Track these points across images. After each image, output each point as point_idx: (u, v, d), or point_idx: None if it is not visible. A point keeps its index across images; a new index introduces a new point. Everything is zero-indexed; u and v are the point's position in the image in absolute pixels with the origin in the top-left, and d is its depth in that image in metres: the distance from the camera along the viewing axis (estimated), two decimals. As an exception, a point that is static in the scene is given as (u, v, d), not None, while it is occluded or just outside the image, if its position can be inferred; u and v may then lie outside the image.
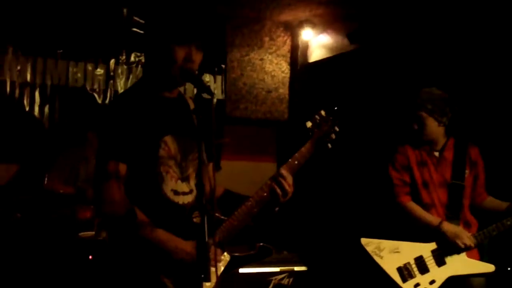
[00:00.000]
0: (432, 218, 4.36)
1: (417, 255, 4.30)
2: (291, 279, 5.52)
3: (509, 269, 4.79)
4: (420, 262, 4.27)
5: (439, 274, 4.27)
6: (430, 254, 4.31)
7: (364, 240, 4.30)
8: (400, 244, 4.32)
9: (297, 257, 5.63)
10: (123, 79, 6.98)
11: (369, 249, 4.27)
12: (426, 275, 4.26)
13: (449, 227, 4.31)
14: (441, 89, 4.52)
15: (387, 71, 6.35)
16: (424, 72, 5.88)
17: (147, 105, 3.00)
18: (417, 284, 4.22)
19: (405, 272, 4.23)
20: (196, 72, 2.99)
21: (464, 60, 5.54)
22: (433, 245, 4.34)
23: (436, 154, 4.51)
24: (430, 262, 4.28)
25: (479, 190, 4.60)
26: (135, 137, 2.90)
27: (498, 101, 5.25)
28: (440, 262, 4.30)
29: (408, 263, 4.26)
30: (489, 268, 4.35)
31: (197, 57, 3.00)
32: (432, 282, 4.24)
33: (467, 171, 4.50)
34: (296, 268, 5.58)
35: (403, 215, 4.39)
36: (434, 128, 4.45)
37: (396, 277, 4.22)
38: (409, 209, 4.37)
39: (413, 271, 4.25)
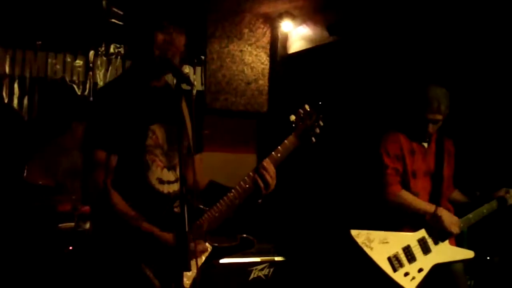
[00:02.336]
0: (427, 205, 4.42)
1: (405, 244, 4.35)
2: (271, 269, 5.55)
3: (488, 258, 4.87)
4: (408, 252, 4.33)
5: (426, 262, 4.36)
6: (416, 243, 4.38)
7: (354, 232, 4.32)
8: (388, 234, 4.36)
9: (275, 248, 5.66)
10: (103, 71, 6.95)
11: (359, 240, 4.29)
12: (414, 263, 4.33)
13: (444, 213, 4.39)
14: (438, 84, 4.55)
15: (366, 63, 6.38)
16: (404, 62, 5.92)
17: (135, 94, 3.03)
18: (407, 273, 4.28)
19: (395, 262, 4.28)
20: (178, 60, 3.02)
21: (444, 51, 5.58)
22: (418, 234, 4.40)
23: (425, 145, 4.58)
24: (417, 251, 4.36)
25: (449, 182, 4.69)
26: (123, 126, 2.92)
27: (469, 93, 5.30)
28: (426, 250, 4.38)
29: (397, 252, 4.31)
30: (469, 254, 4.48)
31: (179, 40, 3.02)
32: (420, 270, 4.33)
33: (445, 162, 4.59)
34: (277, 259, 5.61)
35: (395, 204, 4.40)
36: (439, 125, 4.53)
37: (387, 267, 4.26)
38: (403, 197, 4.40)
39: (402, 260, 4.30)
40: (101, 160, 2.90)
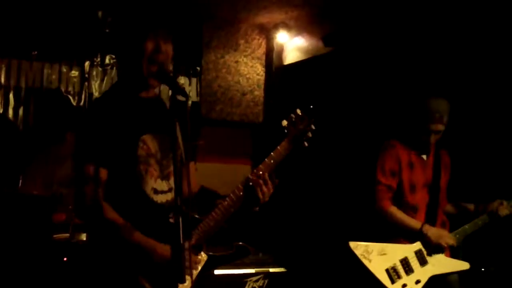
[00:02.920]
0: (413, 222, 4.44)
1: (402, 256, 4.38)
2: (266, 281, 5.54)
3: (482, 269, 4.88)
4: (406, 263, 4.35)
5: (423, 273, 4.39)
6: (413, 255, 4.40)
7: (352, 244, 4.33)
8: (386, 246, 4.38)
9: (272, 259, 5.65)
10: (98, 81, 6.96)
11: (357, 252, 4.30)
12: (412, 275, 4.35)
13: (430, 230, 4.43)
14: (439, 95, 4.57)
15: (362, 74, 6.39)
16: (399, 72, 5.93)
17: (125, 106, 3.02)
18: (404, 285, 4.31)
19: (393, 273, 4.30)
20: (171, 72, 3.03)
21: (440, 61, 5.59)
22: (415, 246, 4.43)
23: (424, 157, 4.60)
24: (414, 262, 4.38)
25: (444, 193, 4.71)
26: (113, 138, 2.92)
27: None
28: (422, 262, 4.41)
29: (395, 264, 4.33)
30: (465, 266, 4.50)
31: (166, 48, 3.02)
32: (417, 281, 4.35)
33: (442, 174, 4.61)
34: (272, 270, 5.60)
35: (384, 219, 4.44)
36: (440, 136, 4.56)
37: (385, 279, 4.28)
38: (391, 214, 4.43)
39: (400, 272, 4.32)
40: (93, 174, 2.89)
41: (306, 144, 3.29)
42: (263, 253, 5.67)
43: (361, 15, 6.42)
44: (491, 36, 5.17)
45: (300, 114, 3.29)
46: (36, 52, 6.59)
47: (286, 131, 3.26)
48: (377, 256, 4.32)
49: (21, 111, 6.53)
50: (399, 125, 4.77)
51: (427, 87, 5.40)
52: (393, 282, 4.28)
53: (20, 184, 5.93)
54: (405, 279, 4.32)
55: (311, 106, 3.30)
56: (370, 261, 4.29)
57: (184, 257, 2.63)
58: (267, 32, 7.90)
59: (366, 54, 6.37)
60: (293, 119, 3.28)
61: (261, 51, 7.97)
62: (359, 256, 4.29)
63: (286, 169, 3.31)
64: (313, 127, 3.30)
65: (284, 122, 3.28)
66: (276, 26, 7.62)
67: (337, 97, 6.61)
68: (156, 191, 3.05)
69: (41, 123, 6.58)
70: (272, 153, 3.21)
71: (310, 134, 3.29)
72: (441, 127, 4.48)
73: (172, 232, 2.60)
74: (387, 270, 4.30)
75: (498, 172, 5.14)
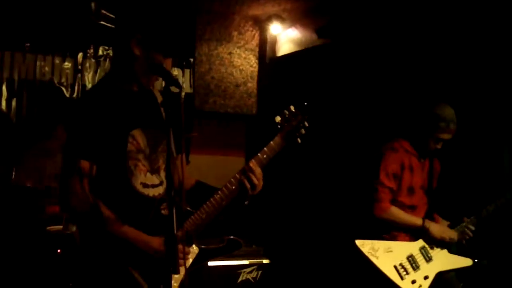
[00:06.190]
0: (414, 219, 4.49)
1: (408, 253, 4.42)
2: (259, 272, 5.56)
3: (475, 260, 4.91)
4: (412, 260, 4.39)
5: (430, 269, 4.45)
6: (418, 251, 4.45)
7: (358, 242, 4.36)
8: (391, 243, 4.41)
9: (264, 250, 5.67)
10: (91, 73, 6.94)
11: (364, 250, 4.33)
12: (419, 271, 4.40)
13: (432, 225, 4.48)
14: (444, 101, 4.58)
15: (355, 66, 6.40)
16: (393, 65, 5.94)
17: (115, 100, 3.02)
18: (414, 281, 4.36)
19: (401, 270, 4.33)
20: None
21: (433, 55, 5.60)
22: (419, 243, 4.46)
23: (422, 161, 4.62)
24: (420, 259, 4.43)
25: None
26: (103, 133, 2.92)
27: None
28: (428, 259, 4.45)
29: (402, 261, 4.36)
30: (468, 262, 4.56)
31: (165, 63, 3.06)
32: (426, 277, 4.41)
33: (434, 179, 4.66)
34: (265, 261, 5.62)
35: (384, 219, 4.44)
36: None
37: (394, 276, 4.31)
38: (392, 213, 4.44)
39: (408, 268, 4.35)
40: (82, 169, 2.90)
41: (299, 140, 3.30)
42: (257, 245, 5.69)
43: (355, 8, 6.42)
44: (484, 31, 5.19)
45: (293, 110, 3.30)
46: (29, 44, 6.57)
47: (279, 126, 3.27)
48: (383, 254, 4.35)
49: (14, 103, 6.51)
50: (404, 126, 4.76)
51: (422, 81, 5.41)
52: (402, 278, 4.32)
53: (13, 176, 5.93)
54: (413, 275, 4.36)
55: (305, 103, 3.31)
56: (377, 258, 4.31)
57: (178, 248, 2.64)
58: (260, 23, 7.88)
59: (360, 47, 6.37)
60: (287, 115, 3.29)
61: (255, 42, 7.95)
62: (367, 254, 4.31)
63: (280, 163, 3.32)
64: (306, 124, 3.31)
65: (278, 118, 3.28)
66: (269, 18, 7.60)
67: (330, 89, 6.61)
68: (146, 185, 3.06)
69: (33, 116, 6.57)
70: (265, 148, 3.22)
71: (303, 131, 3.30)
72: (450, 136, 4.50)
73: (165, 223, 2.61)
74: (395, 267, 4.33)
75: (488, 171, 5.18)
